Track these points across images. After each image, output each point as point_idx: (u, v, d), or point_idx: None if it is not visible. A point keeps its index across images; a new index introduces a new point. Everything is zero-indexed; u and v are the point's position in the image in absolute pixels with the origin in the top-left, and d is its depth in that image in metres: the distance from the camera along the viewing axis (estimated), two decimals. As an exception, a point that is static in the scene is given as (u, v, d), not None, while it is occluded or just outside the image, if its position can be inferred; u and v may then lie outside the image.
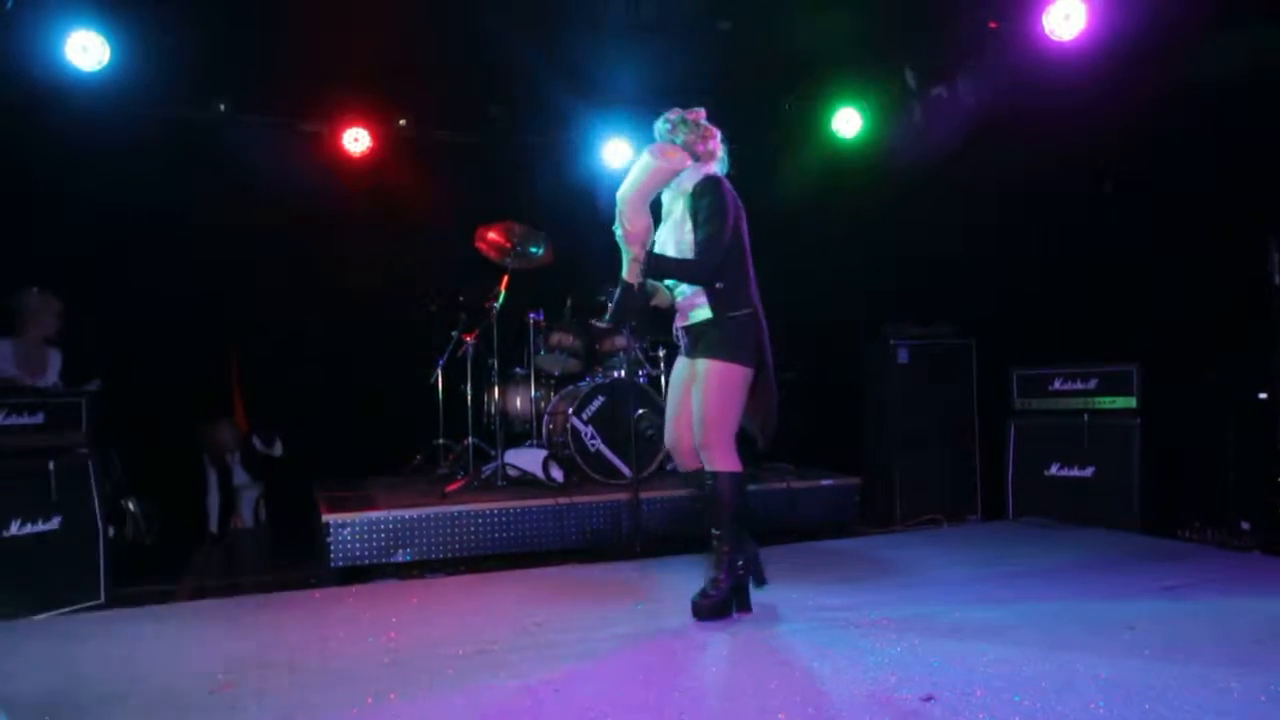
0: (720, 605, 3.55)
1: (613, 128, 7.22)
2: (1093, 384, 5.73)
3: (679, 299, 3.68)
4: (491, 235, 6.05)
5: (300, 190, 6.68)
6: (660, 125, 3.70)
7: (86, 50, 5.43)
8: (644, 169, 3.52)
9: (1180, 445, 5.54)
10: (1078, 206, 6.01)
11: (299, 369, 6.73)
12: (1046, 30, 5.57)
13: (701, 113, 3.69)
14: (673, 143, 3.62)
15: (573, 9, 6.12)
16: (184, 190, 6.33)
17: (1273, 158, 4.90)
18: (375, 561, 4.86)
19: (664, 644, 3.26)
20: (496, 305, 5.92)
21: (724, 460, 3.51)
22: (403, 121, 7.06)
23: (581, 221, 6.18)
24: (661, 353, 6.58)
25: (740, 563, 3.59)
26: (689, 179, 3.57)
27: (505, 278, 5.97)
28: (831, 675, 2.85)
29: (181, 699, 2.86)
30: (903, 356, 6.24)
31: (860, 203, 6.80)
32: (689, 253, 3.52)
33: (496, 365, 6.09)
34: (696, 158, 3.61)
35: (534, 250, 6.10)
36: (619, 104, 6.98)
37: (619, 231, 3.55)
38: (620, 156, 7.25)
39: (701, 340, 3.57)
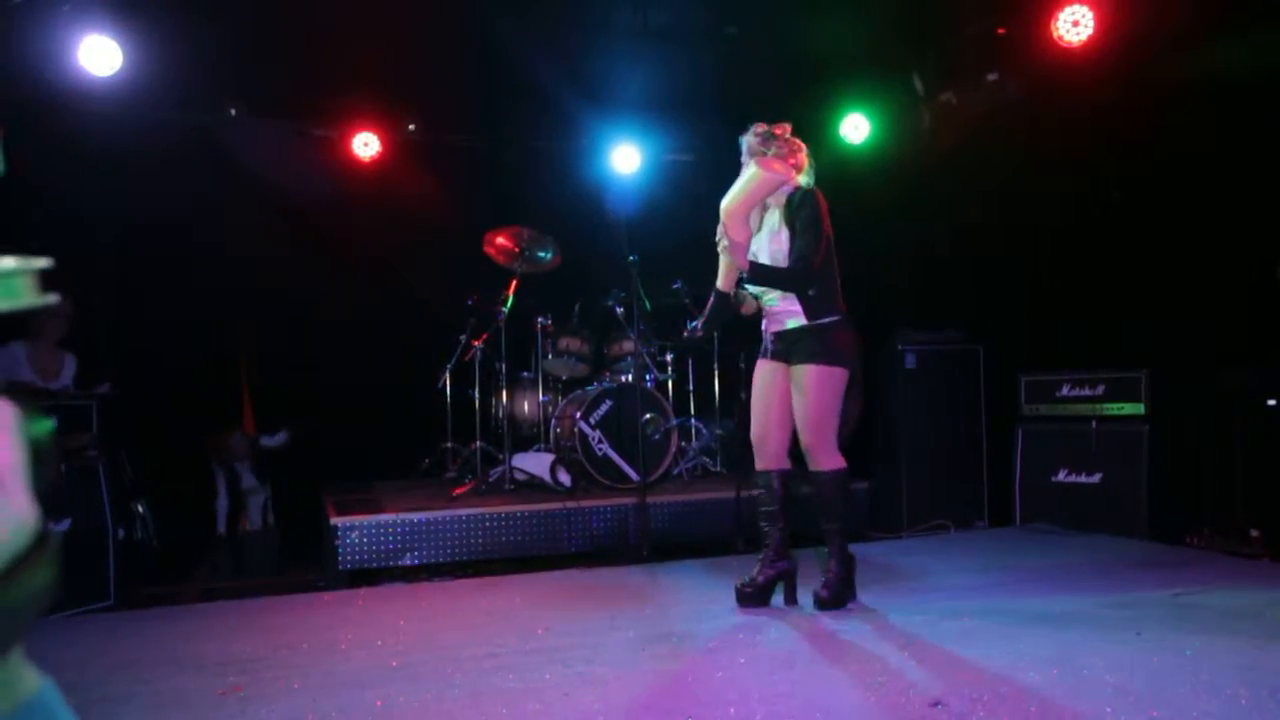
0: (839, 594, 3.73)
1: (621, 132, 7.24)
2: (1100, 390, 5.72)
3: (770, 306, 3.83)
4: (500, 240, 6.07)
5: (311, 194, 6.70)
6: (749, 139, 3.82)
7: (99, 55, 5.46)
8: (751, 179, 3.66)
9: (1189, 452, 5.52)
10: (1086, 212, 6.01)
11: (308, 372, 6.76)
12: (1055, 36, 5.58)
13: (788, 127, 3.83)
14: (765, 155, 3.74)
15: (581, 14, 6.15)
16: (196, 195, 6.36)
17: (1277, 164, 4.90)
18: (383, 564, 4.87)
19: (672, 648, 3.27)
20: (504, 309, 5.93)
21: (830, 459, 3.72)
22: (412, 126, 7.09)
23: (590, 226, 6.20)
24: (669, 357, 6.60)
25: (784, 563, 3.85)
26: (783, 190, 3.74)
27: (513, 282, 5.99)
28: (839, 680, 2.85)
29: (191, 700, 2.87)
30: (910, 362, 6.23)
31: (868, 208, 6.78)
32: (783, 261, 3.69)
33: (504, 369, 6.11)
34: (788, 178, 3.75)
35: (542, 255, 6.12)
36: (627, 109, 7.00)
37: (722, 242, 3.69)
38: (629, 162, 7.27)
39: (798, 346, 3.73)
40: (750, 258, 3.69)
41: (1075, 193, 5.99)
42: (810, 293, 3.70)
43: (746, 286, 3.85)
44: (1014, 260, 6.29)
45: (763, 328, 3.94)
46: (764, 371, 3.88)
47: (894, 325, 6.36)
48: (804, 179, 3.80)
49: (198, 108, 6.45)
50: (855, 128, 6.91)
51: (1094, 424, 5.69)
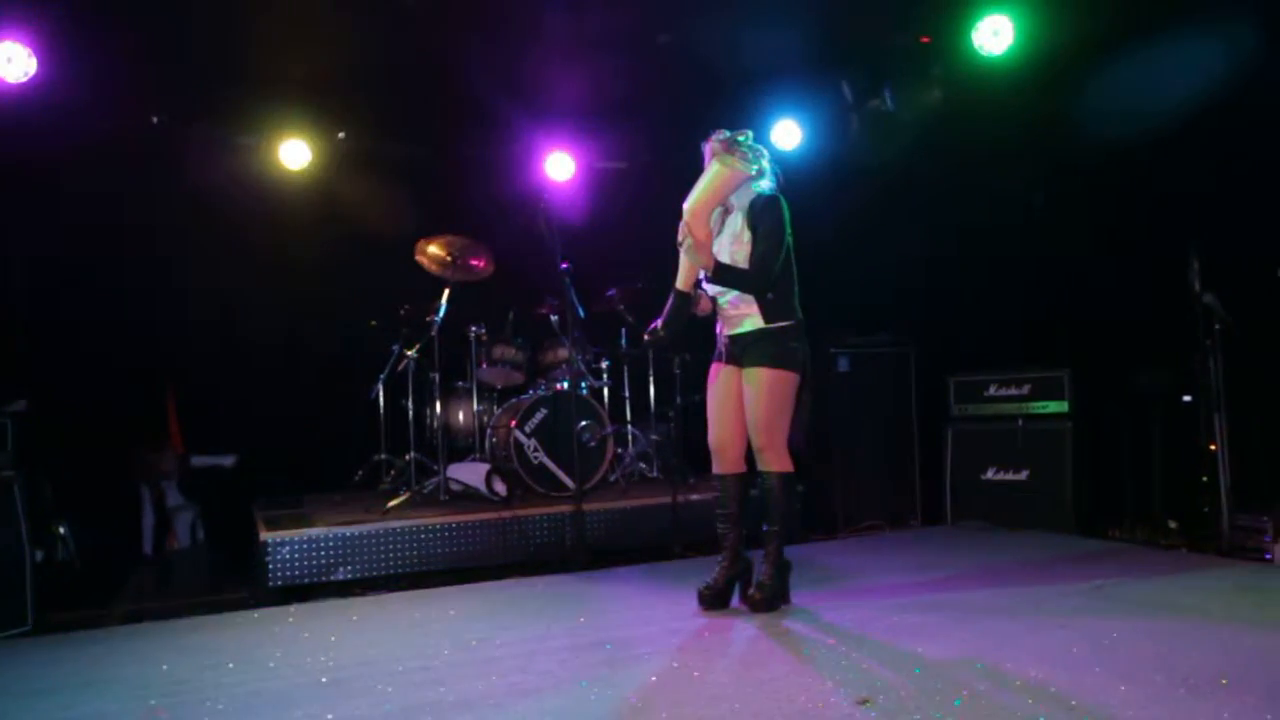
0: (773, 597, 3.78)
1: (554, 140, 7.22)
2: (1026, 390, 5.87)
3: (726, 308, 3.87)
4: (432, 248, 6.01)
5: (238, 204, 6.57)
6: (712, 145, 3.86)
7: (11, 61, 5.29)
8: (715, 177, 3.74)
9: (1110, 448, 5.70)
10: (1012, 217, 6.16)
11: (238, 386, 6.59)
12: (977, 45, 5.71)
13: (749, 133, 3.88)
14: (729, 159, 3.77)
15: (514, 21, 6.12)
16: (117, 205, 6.18)
17: (1193, 172, 5.08)
18: (315, 580, 4.78)
19: (606, 655, 3.27)
20: (437, 319, 5.87)
21: (780, 462, 3.77)
22: (341, 134, 6.98)
23: (523, 234, 6.17)
24: (605, 364, 6.59)
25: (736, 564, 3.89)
26: (745, 195, 3.80)
27: (446, 291, 5.93)
28: (771, 682, 2.87)
29: (110, 725, 2.79)
30: (843, 365, 6.32)
31: (799, 214, 6.86)
32: (744, 264, 3.74)
33: (438, 379, 6.05)
34: (752, 176, 3.80)
35: (475, 264, 6.08)
36: (561, 116, 6.99)
37: (685, 242, 3.71)
38: (562, 169, 7.26)
39: (752, 350, 3.79)
40: (715, 254, 3.74)
41: (1001, 197, 6.14)
42: (769, 296, 3.76)
43: (704, 287, 3.89)
44: (943, 264, 6.42)
45: (717, 330, 3.98)
46: (719, 377, 3.92)
47: (826, 329, 6.43)
48: (766, 184, 3.85)
49: (118, 115, 6.27)
50: (787, 134, 6.98)
51: (1020, 423, 5.84)
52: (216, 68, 6.07)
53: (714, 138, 3.88)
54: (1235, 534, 4.67)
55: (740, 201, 3.82)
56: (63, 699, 3.06)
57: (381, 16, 5.90)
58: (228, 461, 6.49)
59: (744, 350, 3.82)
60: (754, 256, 3.73)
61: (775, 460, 3.76)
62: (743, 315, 3.82)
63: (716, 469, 3.92)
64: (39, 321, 5.96)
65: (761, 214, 3.76)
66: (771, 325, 3.77)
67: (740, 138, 3.84)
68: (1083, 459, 5.64)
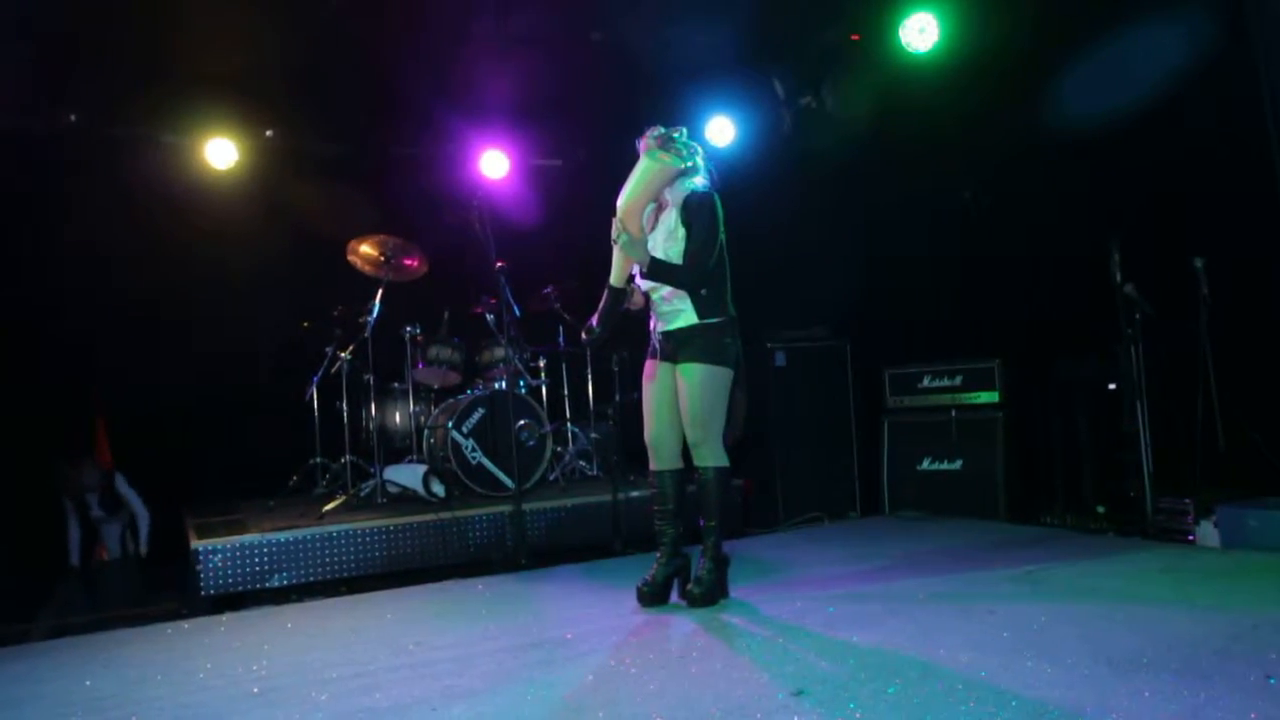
0: (711, 591, 3.79)
1: (487, 138, 7.17)
2: (958, 380, 5.98)
3: (659, 304, 3.87)
4: (364, 248, 5.93)
5: (163, 205, 6.42)
6: (647, 141, 3.84)
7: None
8: (646, 172, 3.74)
9: (1040, 436, 5.83)
10: (943, 212, 6.27)
11: (167, 393, 6.43)
12: (904, 42, 5.79)
13: (683, 130, 3.89)
14: (663, 155, 3.77)
15: (440, 20, 6.06)
16: (31, 208, 5.99)
17: (1113, 169, 5.22)
18: (250, 588, 4.69)
19: (545, 654, 3.25)
20: (371, 319, 5.79)
21: (715, 456, 3.79)
22: (270, 132, 6.85)
23: (457, 233, 6.12)
24: (542, 363, 6.56)
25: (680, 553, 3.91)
26: (679, 191, 3.80)
27: (380, 291, 5.85)
28: (708, 676, 2.88)
29: (29, 744, 2.70)
30: (779, 359, 6.38)
31: (733, 210, 6.91)
32: (677, 260, 3.75)
33: (373, 380, 5.97)
34: (683, 172, 3.80)
35: (408, 263, 6.00)
36: (493, 115, 6.94)
37: (623, 239, 3.71)
38: (496, 167, 7.21)
39: (686, 346, 3.80)
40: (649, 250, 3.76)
41: (932, 192, 6.24)
42: (702, 292, 3.78)
43: (638, 283, 3.89)
44: (877, 259, 6.50)
45: (650, 327, 3.99)
46: (654, 373, 3.92)
47: (762, 325, 6.49)
48: (700, 180, 3.85)
49: (28, 114, 6.07)
50: (720, 131, 7.02)
51: (953, 413, 5.94)
52: (137, 65, 5.92)
53: (648, 135, 3.88)
54: (1159, 517, 4.82)
55: (674, 198, 3.82)
56: (-21, 719, 2.96)
57: (309, 13, 5.80)
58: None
59: (678, 346, 3.83)
60: (688, 253, 3.75)
61: (710, 455, 3.78)
62: (676, 311, 3.83)
63: (653, 465, 3.92)
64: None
65: (696, 211, 3.77)
66: (705, 321, 3.78)
67: (675, 134, 3.86)
68: (1013, 448, 5.76)
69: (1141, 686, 2.53)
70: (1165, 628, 3.07)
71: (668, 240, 3.79)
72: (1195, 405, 4.93)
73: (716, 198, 3.83)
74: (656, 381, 3.91)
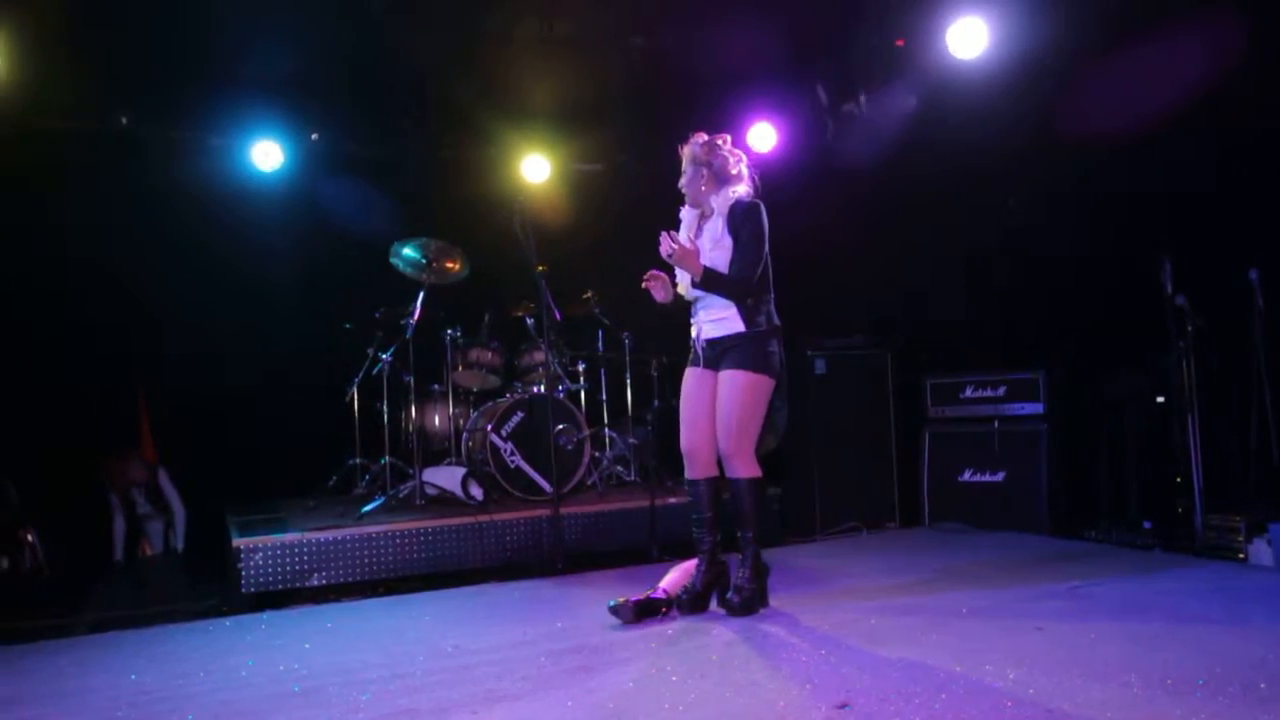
0: (750, 601, 3.75)
1: (529, 142, 7.19)
2: (1002, 391, 5.89)
3: (702, 311, 3.88)
4: (407, 251, 5.96)
5: (210, 206, 6.49)
6: (693, 149, 3.86)
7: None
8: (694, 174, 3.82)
9: (1086, 449, 5.73)
10: (987, 220, 6.20)
11: (211, 391, 6.51)
12: (950, 49, 5.73)
13: (727, 137, 3.90)
14: (710, 164, 3.81)
15: (485, 24, 6.09)
16: (85, 207, 6.10)
17: (1167, 174, 5.12)
18: (289, 586, 4.72)
19: (584, 660, 3.24)
20: (412, 321, 5.82)
21: (748, 467, 3.76)
22: (315, 136, 6.92)
23: (498, 236, 6.14)
24: (581, 367, 6.56)
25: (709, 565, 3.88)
26: (724, 199, 3.80)
27: (421, 294, 5.88)
28: (748, 686, 2.85)
29: (76, 737, 2.73)
30: (820, 367, 6.32)
31: (773, 216, 6.88)
32: (724, 269, 3.75)
33: (413, 382, 6.00)
34: (729, 180, 3.81)
35: (450, 266, 6.03)
36: (536, 119, 6.96)
37: (675, 253, 3.71)
38: (538, 171, 7.22)
39: (730, 353, 3.79)
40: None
41: (976, 200, 6.17)
42: (748, 301, 3.78)
43: (684, 290, 3.89)
44: (919, 266, 6.44)
45: (694, 336, 3.97)
46: (694, 380, 3.91)
47: (803, 331, 6.44)
48: (745, 189, 3.85)
49: (84, 116, 6.18)
50: (762, 137, 6.99)
51: (996, 424, 5.86)
52: (187, 69, 6.00)
53: (692, 142, 3.88)
54: (1209, 534, 4.71)
55: (719, 206, 3.81)
56: (29, 710, 3.00)
57: (354, 18, 5.86)
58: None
59: (721, 353, 3.81)
60: (735, 262, 3.74)
61: (742, 467, 3.74)
62: (721, 319, 3.81)
63: (689, 474, 3.90)
64: (6, 326, 5.85)
65: (743, 220, 3.76)
66: (749, 330, 3.77)
67: (719, 142, 3.86)
68: (1058, 460, 5.67)
69: (1198, 709, 2.47)
70: (1220, 648, 2.99)
71: (714, 248, 3.78)
72: (1248, 419, 4.82)
73: (762, 207, 3.82)
74: (695, 388, 3.89)
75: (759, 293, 3.81)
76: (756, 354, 3.75)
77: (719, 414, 3.77)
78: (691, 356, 3.96)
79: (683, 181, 3.90)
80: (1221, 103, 4.75)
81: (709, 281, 3.74)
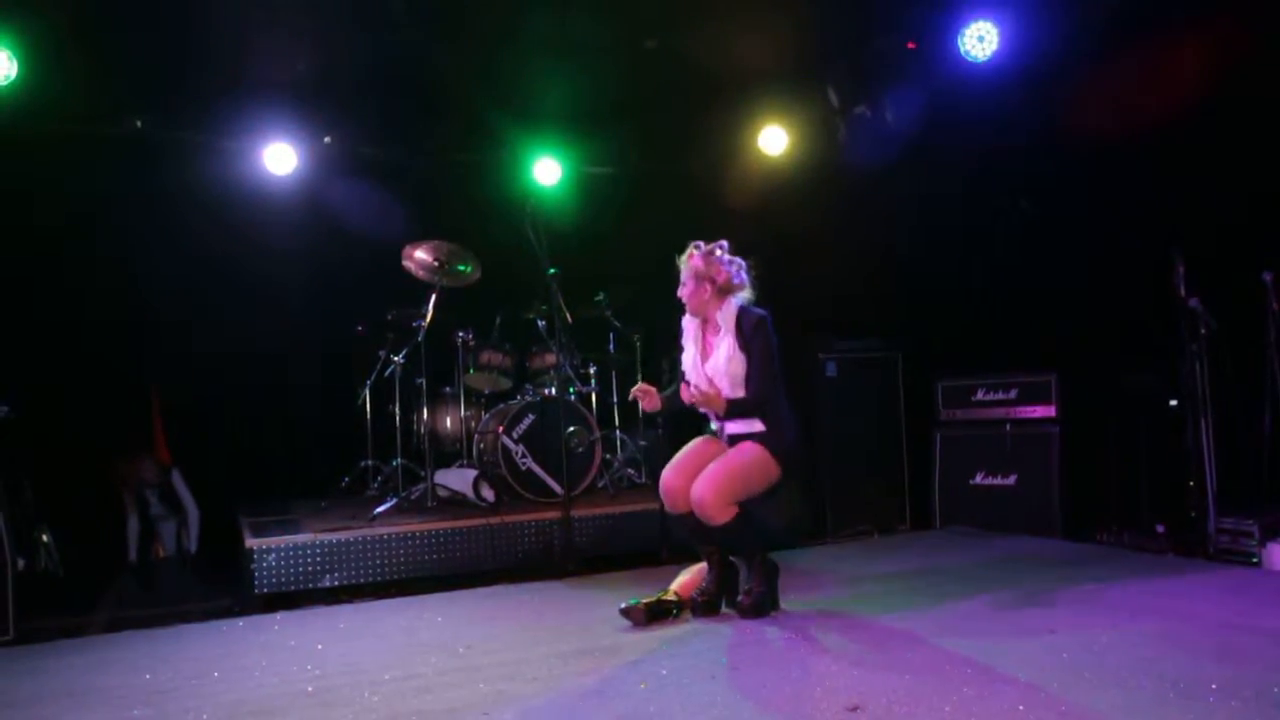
0: (761, 604, 3.76)
1: (542, 145, 7.20)
2: (1013, 394, 5.87)
3: (727, 420, 3.90)
4: (419, 254, 5.98)
5: (223, 209, 6.52)
6: (693, 262, 3.89)
7: (-9, 63, 5.24)
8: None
9: (1097, 451, 5.70)
10: (998, 222, 6.17)
11: (224, 393, 6.55)
12: (962, 51, 5.72)
13: (724, 244, 3.94)
14: (714, 279, 3.86)
15: (498, 26, 6.10)
16: (98, 210, 6.14)
17: (1178, 178, 5.11)
18: (301, 587, 4.75)
19: (595, 662, 3.25)
20: (424, 324, 5.84)
21: (722, 515, 3.69)
22: (328, 139, 6.95)
23: (510, 239, 6.15)
24: (593, 369, 6.57)
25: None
26: (729, 309, 3.86)
27: (433, 296, 5.90)
28: (758, 689, 2.86)
29: (92, 736, 2.76)
30: (831, 370, 6.31)
31: (786, 218, 6.89)
32: (741, 377, 3.79)
33: (425, 385, 6.01)
34: (732, 290, 3.88)
35: (462, 268, 6.04)
36: (548, 122, 6.97)
37: (700, 399, 3.79)
38: (549, 174, 7.23)
39: (752, 436, 3.83)
40: (708, 376, 3.84)
41: (987, 202, 6.15)
42: (771, 409, 3.83)
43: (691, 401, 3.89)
44: (930, 268, 6.42)
45: (714, 426, 4.01)
46: (705, 440, 3.97)
47: (814, 334, 6.44)
48: (746, 294, 3.91)
49: (99, 120, 6.22)
50: (773, 139, 6.98)
51: (1008, 427, 5.84)
52: (200, 72, 6.02)
53: (691, 255, 3.90)
54: (1222, 537, 4.69)
55: (725, 319, 3.86)
56: (45, 709, 3.02)
57: (367, 21, 5.88)
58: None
59: (743, 439, 3.86)
60: (754, 379, 3.79)
61: (717, 515, 3.67)
62: (746, 421, 3.86)
63: (670, 509, 3.89)
64: (21, 326, 5.90)
65: (753, 335, 3.82)
66: (770, 429, 3.82)
67: (717, 252, 3.90)
68: (1070, 463, 5.64)
69: (1211, 713, 2.46)
70: (1234, 653, 2.98)
71: (729, 364, 3.81)
72: (1261, 422, 4.80)
73: (769, 318, 3.86)
74: (703, 445, 3.94)
75: (779, 397, 3.86)
76: (776, 444, 3.78)
77: (715, 463, 3.76)
78: (715, 429, 4.00)
79: (684, 293, 3.92)
80: (1233, 102, 4.72)
81: (734, 412, 3.80)
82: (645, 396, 3.95)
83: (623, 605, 3.76)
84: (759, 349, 3.80)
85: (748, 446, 3.79)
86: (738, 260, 3.93)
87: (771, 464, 3.77)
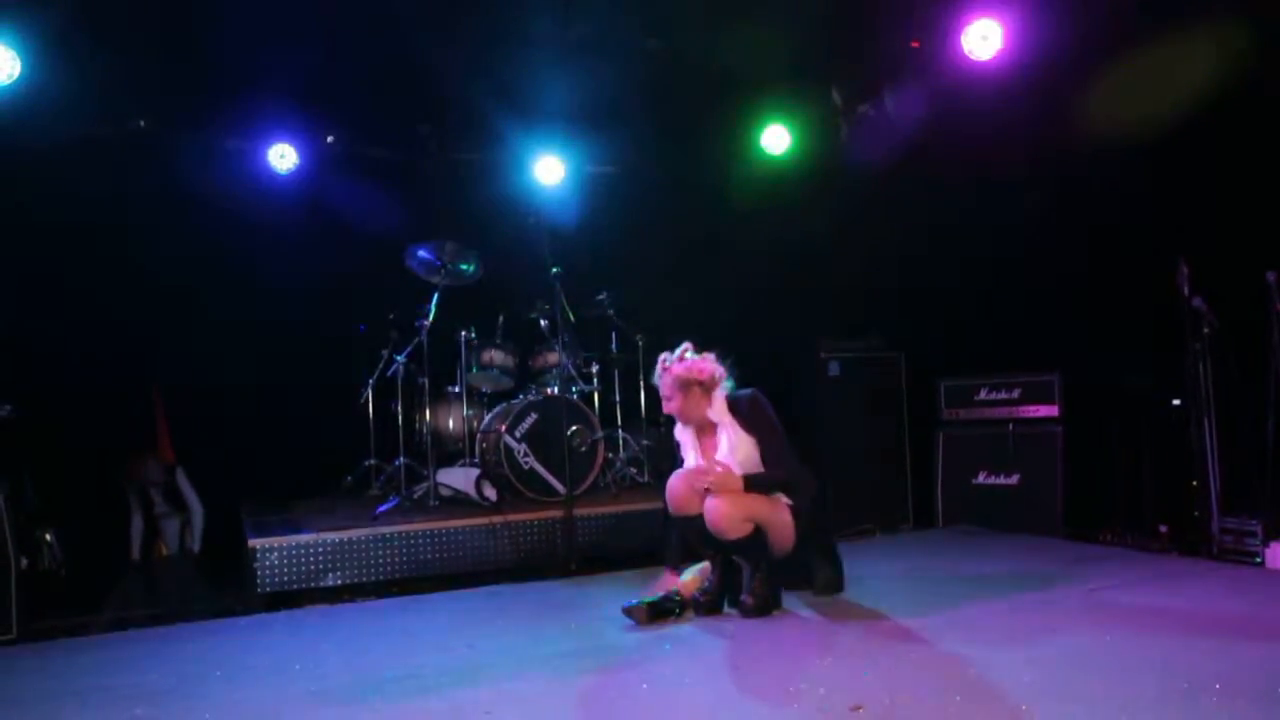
0: (764, 603, 3.76)
1: (544, 145, 7.20)
2: (1016, 393, 5.87)
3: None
4: (422, 253, 5.99)
5: (225, 208, 6.52)
6: (671, 375, 3.86)
7: (-6, 63, 5.24)
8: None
9: (1100, 451, 5.69)
10: (1001, 222, 6.16)
11: (226, 392, 6.54)
12: (965, 50, 5.71)
13: (690, 346, 3.91)
14: (700, 383, 3.83)
15: (502, 27, 6.10)
16: (101, 210, 6.13)
17: (1182, 176, 5.09)
18: (304, 586, 4.75)
19: (597, 661, 3.24)
20: (427, 323, 5.84)
21: (736, 532, 3.69)
22: (330, 138, 6.95)
23: (513, 238, 6.15)
24: (595, 369, 6.57)
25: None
26: (719, 404, 3.84)
27: (436, 295, 5.90)
28: (762, 688, 2.86)
29: (95, 735, 2.76)
30: (834, 369, 6.31)
31: (789, 217, 6.88)
32: (753, 466, 3.77)
33: (428, 384, 6.01)
34: (716, 385, 3.86)
35: (465, 268, 6.05)
36: (550, 121, 6.97)
37: (713, 486, 3.72)
38: (552, 174, 7.23)
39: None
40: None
41: (991, 202, 6.14)
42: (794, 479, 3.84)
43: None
44: (934, 268, 6.42)
45: None
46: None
47: (818, 333, 6.44)
48: (729, 384, 3.88)
49: (102, 119, 6.23)
50: (776, 138, 6.98)
51: (1010, 426, 5.83)
52: (203, 72, 6.03)
53: (667, 370, 3.87)
54: (1225, 537, 4.68)
55: (718, 415, 3.83)
56: (47, 708, 3.03)
57: (369, 20, 5.88)
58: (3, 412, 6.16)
59: None
60: (770, 460, 3.77)
61: (730, 531, 3.67)
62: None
63: (675, 513, 3.85)
64: (23, 325, 5.90)
65: (750, 414, 3.82)
66: (794, 502, 3.84)
67: (688, 355, 3.87)
68: (1073, 463, 5.64)
69: (1214, 712, 2.45)
70: (1239, 652, 2.98)
71: (736, 452, 3.79)
72: (1265, 422, 4.78)
73: (760, 396, 3.86)
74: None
75: (799, 467, 3.84)
76: (797, 510, 3.81)
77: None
78: None
79: (673, 408, 3.89)
80: (1239, 101, 4.71)
81: (756, 488, 3.74)
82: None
83: (625, 605, 3.75)
84: (765, 424, 3.81)
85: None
86: (706, 355, 3.90)
87: (787, 517, 3.78)
